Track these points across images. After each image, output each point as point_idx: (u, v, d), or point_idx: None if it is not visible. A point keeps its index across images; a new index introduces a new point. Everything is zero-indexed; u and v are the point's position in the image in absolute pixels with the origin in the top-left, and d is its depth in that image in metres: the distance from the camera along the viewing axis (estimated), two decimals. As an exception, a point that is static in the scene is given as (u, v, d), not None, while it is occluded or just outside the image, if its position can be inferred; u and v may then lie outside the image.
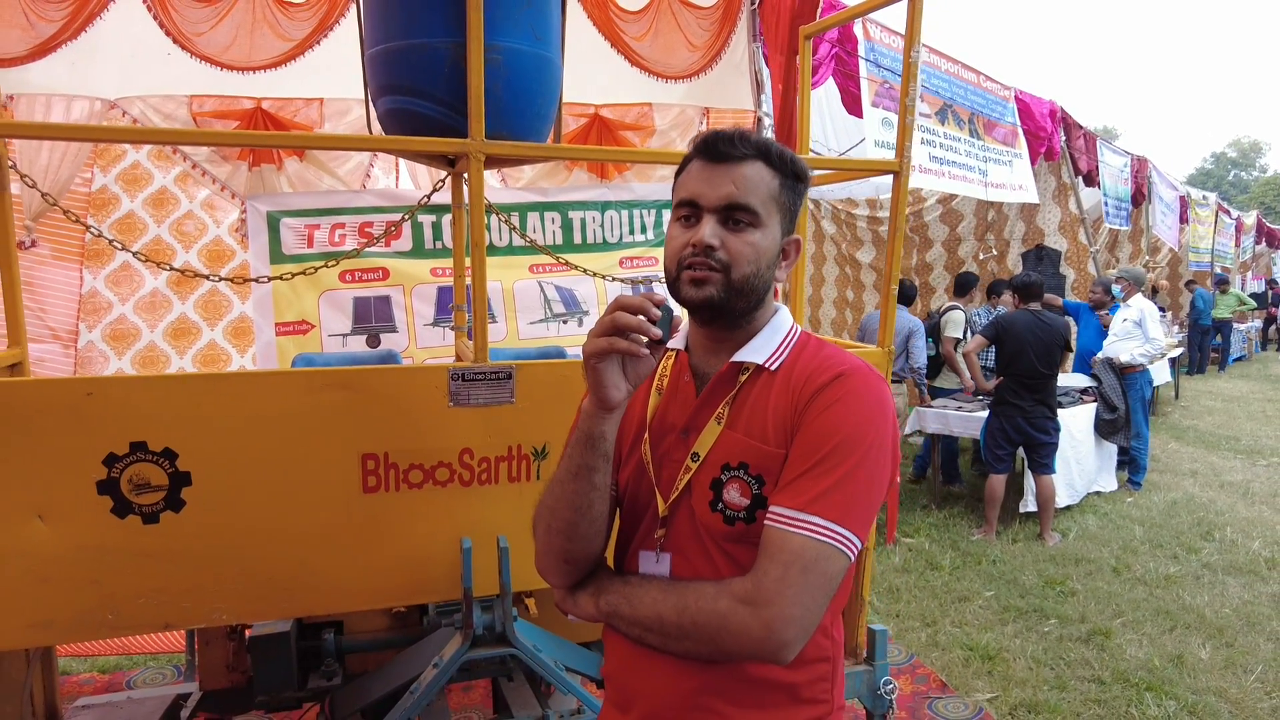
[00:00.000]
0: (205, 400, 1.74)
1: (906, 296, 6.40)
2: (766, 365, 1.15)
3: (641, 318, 1.04)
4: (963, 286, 6.75)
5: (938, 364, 6.60)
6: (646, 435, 1.20)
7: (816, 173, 2.34)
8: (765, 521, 1.05)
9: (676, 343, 1.24)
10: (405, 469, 1.85)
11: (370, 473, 1.83)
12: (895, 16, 7.25)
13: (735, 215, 1.11)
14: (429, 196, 2.36)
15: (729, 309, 1.13)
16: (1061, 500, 5.67)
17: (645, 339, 1.06)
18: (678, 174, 1.19)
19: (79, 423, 1.68)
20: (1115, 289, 6.68)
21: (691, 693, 1.12)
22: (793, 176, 1.16)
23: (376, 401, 1.81)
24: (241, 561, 1.80)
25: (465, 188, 2.55)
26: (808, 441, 1.07)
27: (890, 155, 4.60)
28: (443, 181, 2.41)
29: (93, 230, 2.33)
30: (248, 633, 2.22)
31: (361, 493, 1.84)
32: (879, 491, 1.09)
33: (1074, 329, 7.02)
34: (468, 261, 2.48)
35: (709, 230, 1.10)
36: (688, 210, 1.13)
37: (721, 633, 1.03)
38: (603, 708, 1.26)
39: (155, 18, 3.56)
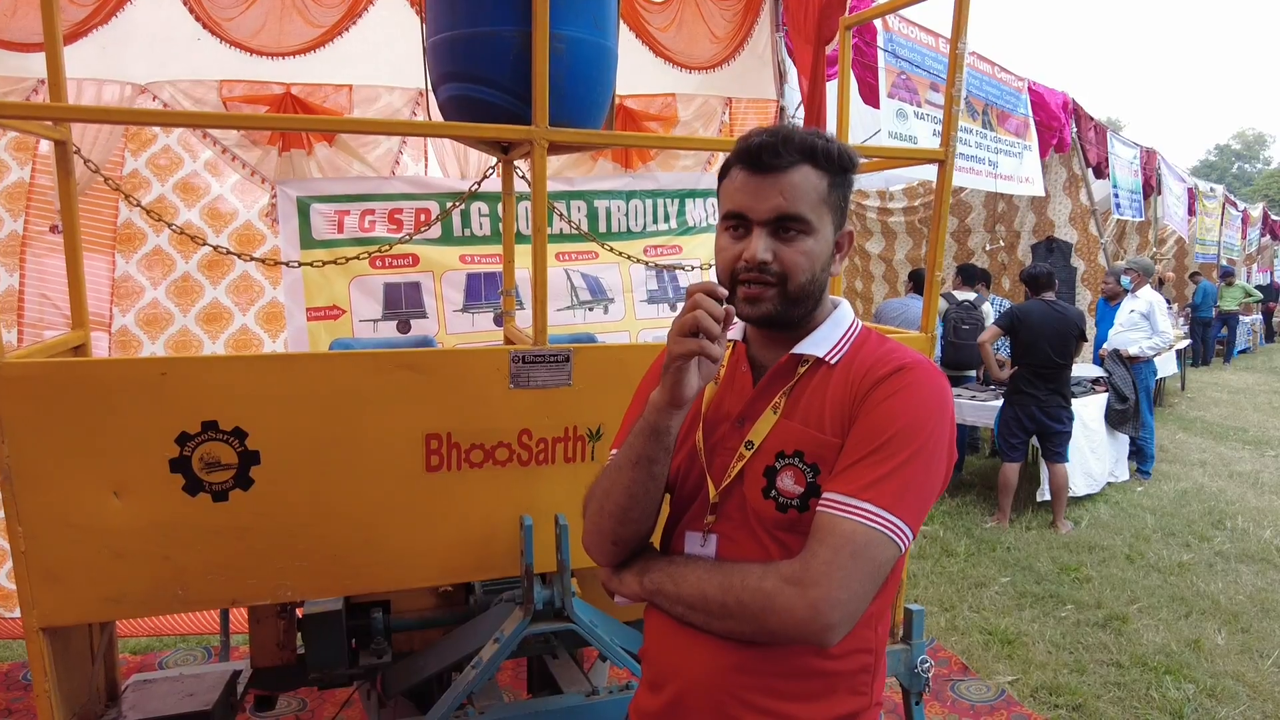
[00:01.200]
0: (275, 381, 1.77)
1: (921, 285, 6.40)
2: (826, 359, 1.15)
3: (715, 324, 1.04)
4: (970, 276, 6.80)
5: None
6: (701, 423, 1.21)
7: (862, 161, 2.36)
8: (818, 507, 1.06)
9: (734, 334, 1.25)
10: (467, 449, 1.89)
11: (433, 452, 1.87)
12: (916, 8, 7.23)
13: (786, 225, 1.10)
14: (478, 184, 2.39)
15: (787, 318, 1.14)
16: (1080, 489, 5.74)
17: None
18: (721, 177, 1.18)
19: (153, 402, 1.71)
20: (1124, 280, 6.71)
21: (727, 674, 1.11)
22: (841, 171, 1.14)
23: (441, 382, 1.85)
24: (308, 539, 1.84)
25: (515, 175, 2.59)
26: (865, 430, 1.07)
27: (905, 146, 4.64)
28: (492, 169, 2.44)
29: (151, 214, 2.34)
30: (299, 611, 2.27)
31: (425, 472, 1.87)
32: (934, 484, 1.09)
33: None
34: (518, 248, 2.51)
35: (761, 245, 1.09)
36: (736, 221, 1.12)
37: (766, 612, 1.02)
38: (637, 689, 1.28)
39: (185, 3, 3.58)
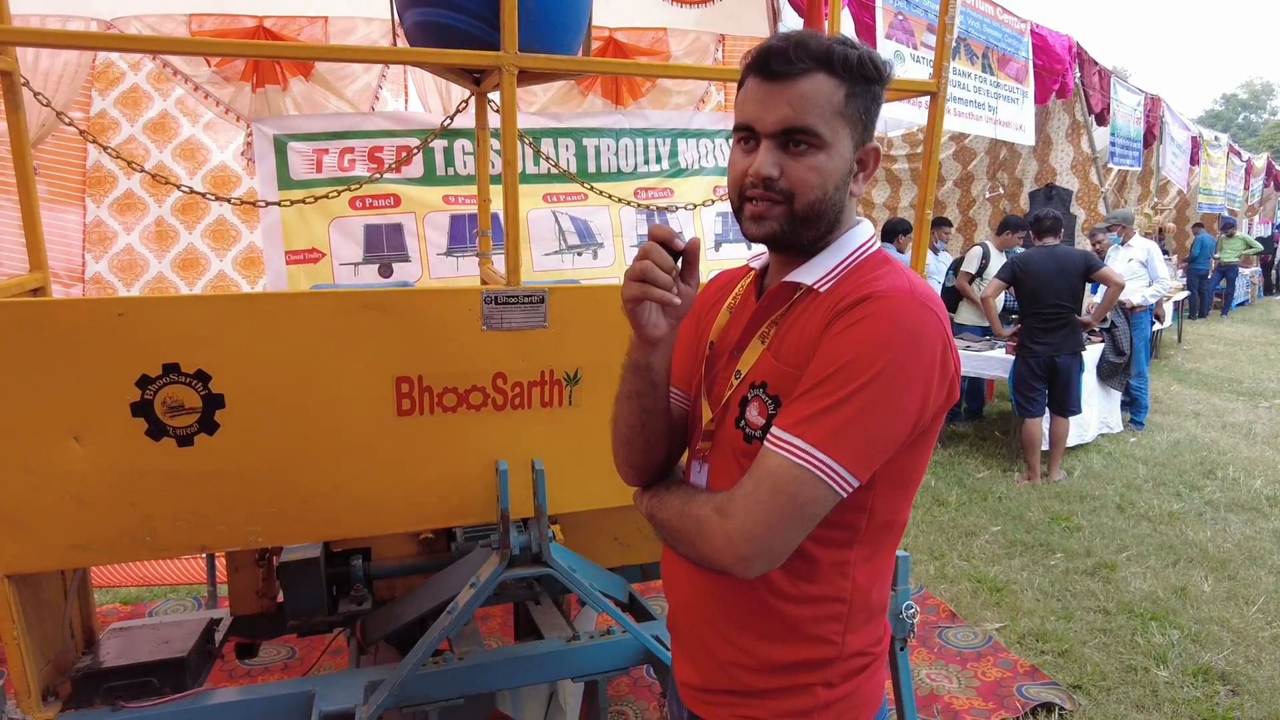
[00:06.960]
0: (237, 321, 1.70)
1: (889, 236, 6.42)
2: (815, 287, 1.08)
3: (668, 276, 1.03)
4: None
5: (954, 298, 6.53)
6: (707, 353, 1.22)
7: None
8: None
9: (756, 263, 1.23)
10: (439, 392, 1.83)
11: (404, 395, 1.81)
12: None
13: (795, 138, 1.02)
14: (451, 119, 2.28)
15: (795, 240, 1.07)
16: (1071, 439, 5.70)
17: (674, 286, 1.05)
18: (739, 87, 1.10)
19: (111, 344, 1.64)
20: (1114, 238, 6.61)
21: (702, 598, 1.16)
22: (863, 81, 1.04)
23: (410, 324, 1.78)
24: (277, 484, 1.79)
25: (489, 109, 2.48)
26: (818, 363, 1.01)
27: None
28: (466, 102, 2.33)
29: (109, 152, 2.24)
30: (275, 559, 2.23)
31: (396, 415, 1.82)
32: (891, 424, 1.00)
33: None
34: (493, 187, 2.41)
35: (766, 160, 1.02)
36: (745, 134, 1.06)
37: (698, 537, 1.05)
38: None
39: (151, -68, 3.41)
